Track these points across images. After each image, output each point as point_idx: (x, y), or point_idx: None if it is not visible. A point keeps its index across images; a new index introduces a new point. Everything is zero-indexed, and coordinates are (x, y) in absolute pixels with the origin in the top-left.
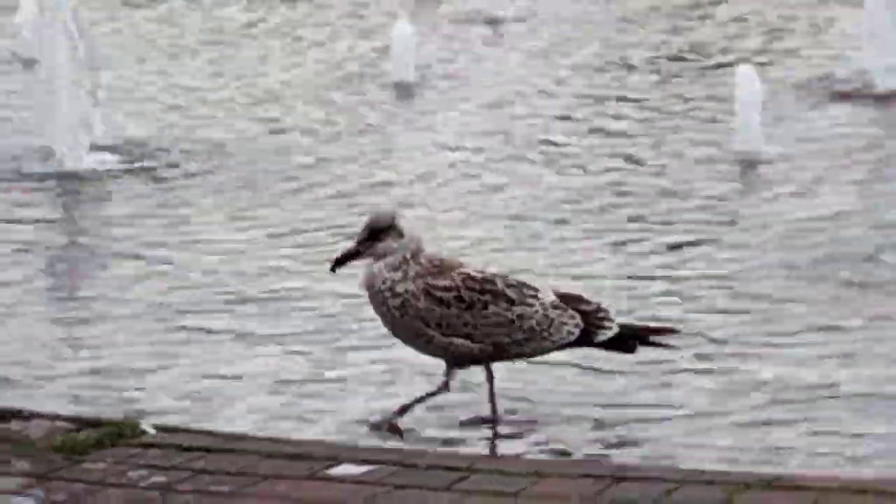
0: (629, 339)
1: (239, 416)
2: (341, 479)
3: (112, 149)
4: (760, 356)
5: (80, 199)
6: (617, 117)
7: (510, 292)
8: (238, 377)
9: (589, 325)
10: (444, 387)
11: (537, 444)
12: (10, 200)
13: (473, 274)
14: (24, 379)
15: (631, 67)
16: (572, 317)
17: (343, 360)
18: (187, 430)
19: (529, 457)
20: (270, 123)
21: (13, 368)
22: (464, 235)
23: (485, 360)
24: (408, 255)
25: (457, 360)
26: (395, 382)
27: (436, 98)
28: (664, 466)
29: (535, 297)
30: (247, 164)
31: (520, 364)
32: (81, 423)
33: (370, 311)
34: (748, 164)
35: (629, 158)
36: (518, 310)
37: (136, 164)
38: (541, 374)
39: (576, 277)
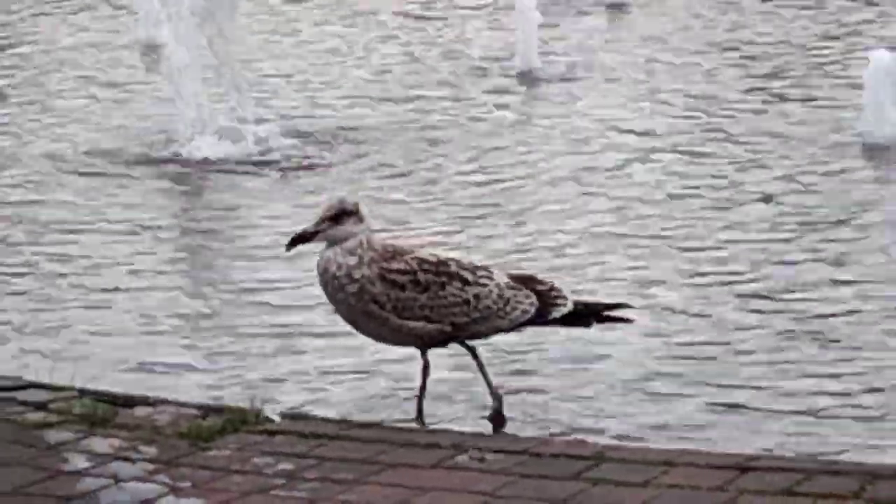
0: (584, 315)
1: (358, 403)
2: (466, 468)
3: (237, 136)
4: None
5: (205, 186)
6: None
7: (465, 273)
8: (361, 367)
9: (544, 304)
10: (426, 370)
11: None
12: (136, 187)
13: (428, 257)
14: (153, 367)
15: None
16: (527, 296)
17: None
18: (312, 418)
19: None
20: (399, 112)
21: (142, 355)
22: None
23: (441, 341)
24: (363, 241)
25: (418, 343)
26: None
27: (561, 87)
28: (793, 457)
29: (489, 277)
30: (377, 152)
31: None
32: (207, 409)
33: None
34: None
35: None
36: (473, 290)
37: (262, 152)
38: None
39: None
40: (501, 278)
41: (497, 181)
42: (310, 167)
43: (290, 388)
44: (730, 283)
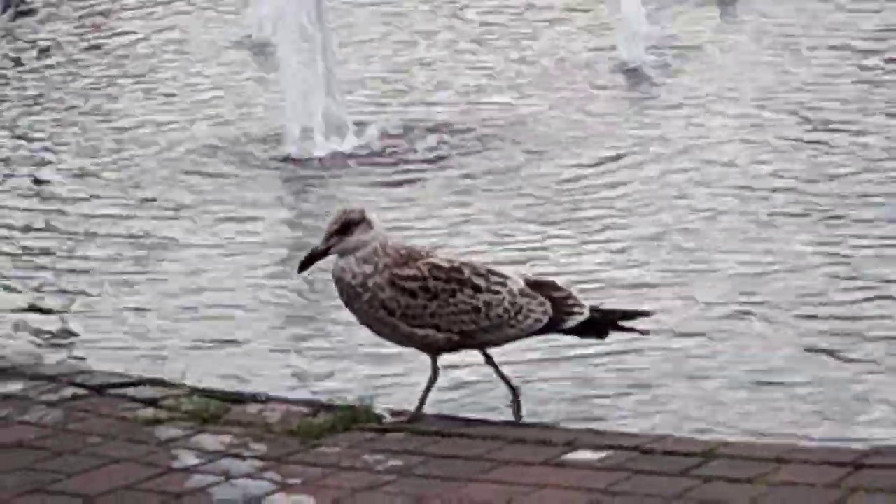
0: (600, 324)
1: (463, 400)
2: (578, 465)
3: (348, 134)
4: None
5: (314, 184)
6: None
7: (477, 280)
8: (468, 363)
9: (558, 312)
10: (434, 375)
11: None
12: (246, 185)
13: (440, 263)
14: (264, 364)
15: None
16: (541, 304)
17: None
18: (422, 415)
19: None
20: (505, 109)
21: (253, 352)
22: None
23: (450, 349)
24: (377, 247)
25: (429, 350)
26: None
27: (668, 82)
28: None
29: (502, 284)
30: (484, 149)
31: None
32: (317, 407)
33: None
34: None
35: None
36: (485, 297)
37: (371, 150)
38: None
39: None
40: (516, 285)
41: (605, 181)
42: (417, 164)
43: (400, 386)
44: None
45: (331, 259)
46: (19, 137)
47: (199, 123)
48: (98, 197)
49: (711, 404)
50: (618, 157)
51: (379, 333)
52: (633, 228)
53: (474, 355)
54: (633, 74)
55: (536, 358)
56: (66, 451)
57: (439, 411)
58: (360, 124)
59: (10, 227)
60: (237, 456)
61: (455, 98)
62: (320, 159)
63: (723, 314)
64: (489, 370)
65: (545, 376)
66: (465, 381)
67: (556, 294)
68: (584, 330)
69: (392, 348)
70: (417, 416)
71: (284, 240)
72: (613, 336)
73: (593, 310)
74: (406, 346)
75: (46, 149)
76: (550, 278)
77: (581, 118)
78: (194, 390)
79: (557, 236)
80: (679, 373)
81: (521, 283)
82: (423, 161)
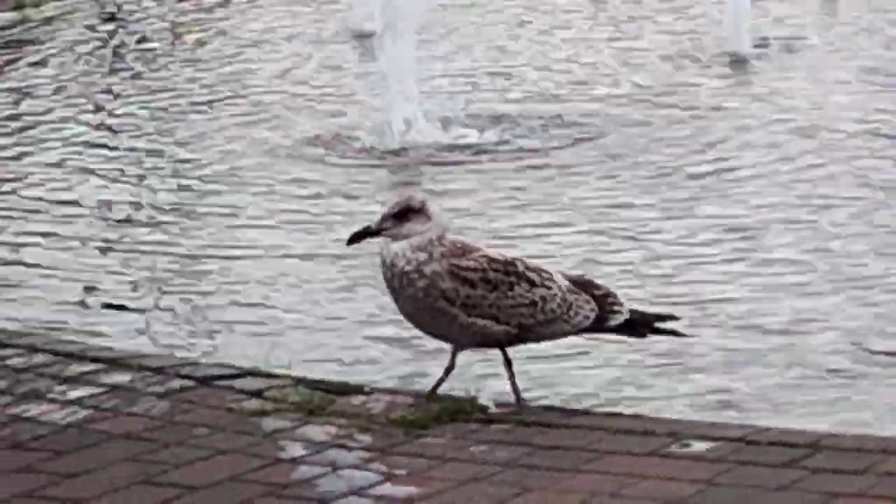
0: (638, 324)
1: (562, 389)
2: (683, 456)
3: (452, 125)
4: None
5: (417, 175)
6: None
7: (531, 275)
8: (572, 351)
9: (602, 310)
10: (450, 369)
11: None
12: (351, 175)
13: (496, 256)
14: (367, 356)
15: None
16: (587, 301)
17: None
18: (528, 406)
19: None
20: (614, 99)
21: (356, 344)
22: None
23: (507, 342)
24: (433, 238)
25: (478, 343)
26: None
27: (775, 70)
28: None
29: (552, 280)
30: (592, 141)
31: None
32: (422, 398)
33: None
34: None
35: None
36: (540, 291)
37: (469, 139)
38: None
39: None
40: (562, 281)
41: (714, 170)
42: (526, 155)
43: (500, 377)
44: None
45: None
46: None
47: (303, 115)
48: (205, 187)
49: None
50: (720, 144)
51: (424, 325)
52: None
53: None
54: (740, 63)
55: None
56: (172, 443)
57: (542, 403)
58: (467, 113)
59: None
60: (343, 447)
61: (559, 88)
62: (424, 149)
63: None
64: (569, 364)
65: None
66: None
67: (598, 292)
68: (624, 329)
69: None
70: (521, 405)
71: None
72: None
73: (632, 311)
74: (456, 338)
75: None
76: (589, 277)
77: (690, 106)
78: (299, 381)
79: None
80: None
81: (566, 281)
82: (534, 149)
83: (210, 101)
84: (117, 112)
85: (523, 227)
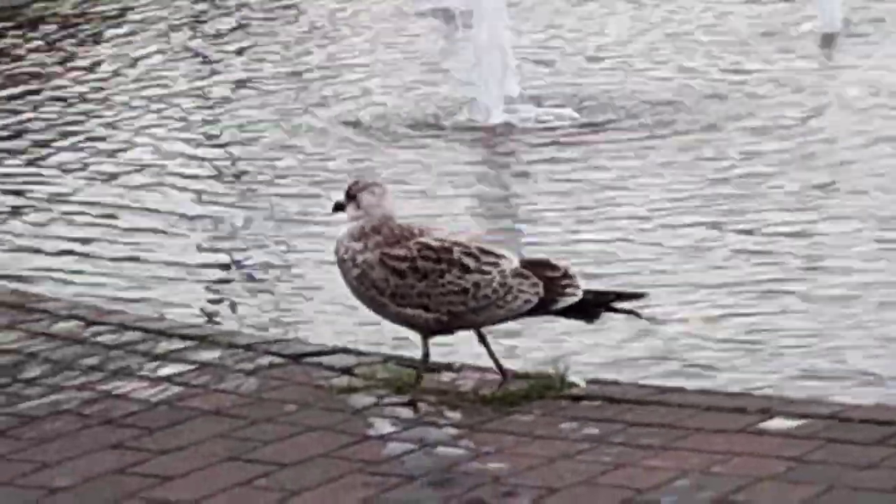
0: (593, 306)
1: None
2: (774, 433)
3: (535, 101)
4: None
5: (505, 151)
6: None
7: (466, 260)
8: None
9: (550, 293)
10: (425, 359)
11: None
12: (436, 152)
13: (431, 243)
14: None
15: None
16: (534, 284)
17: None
18: (617, 383)
19: None
20: (692, 77)
21: None
22: None
23: (440, 330)
24: (367, 228)
25: (420, 331)
26: None
27: (865, 48)
28: None
29: (494, 264)
30: (666, 118)
31: None
32: (511, 374)
33: None
34: None
35: None
36: (474, 277)
37: (559, 118)
38: None
39: None
40: (510, 264)
41: (795, 148)
42: (601, 134)
43: (592, 354)
44: None
45: None
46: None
47: (385, 92)
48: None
49: None
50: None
51: (372, 310)
52: None
53: None
54: (831, 41)
55: None
56: (261, 420)
57: (635, 380)
58: (548, 89)
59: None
60: (432, 424)
61: (651, 65)
62: (510, 126)
63: None
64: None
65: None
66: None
67: (551, 274)
68: (575, 311)
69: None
70: (508, 378)
71: (478, 209)
72: None
73: (587, 292)
74: (398, 325)
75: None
76: (545, 257)
77: (782, 83)
78: (388, 358)
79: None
80: None
81: (516, 263)
82: (612, 128)
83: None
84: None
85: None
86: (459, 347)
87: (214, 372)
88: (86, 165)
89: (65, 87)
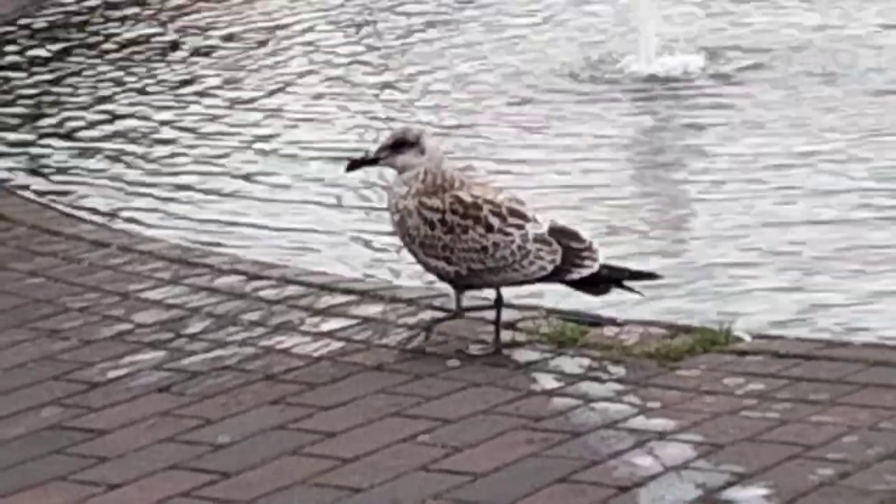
0: (603, 280)
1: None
2: None
3: (691, 51)
4: None
5: (662, 103)
6: None
7: (492, 219)
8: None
9: (566, 263)
10: (456, 312)
11: None
12: (591, 104)
13: (464, 197)
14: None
15: None
16: (553, 252)
17: None
18: (783, 337)
19: None
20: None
21: None
22: None
23: (459, 284)
24: (420, 172)
25: (448, 283)
26: None
27: None
28: None
29: (518, 227)
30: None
31: None
32: (676, 329)
33: None
34: None
35: None
36: (494, 237)
37: (711, 68)
38: None
39: None
40: (536, 229)
41: None
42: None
43: (759, 307)
44: None
45: None
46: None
47: (538, 45)
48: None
49: None
50: None
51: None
52: None
53: None
54: None
55: None
56: (425, 375)
57: (796, 334)
58: (694, 41)
59: None
60: (596, 379)
61: (801, 18)
62: (659, 78)
63: None
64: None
65: None
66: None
67: (575, 245)
68: (587, 284)
69: (749, 271)
70: (497, 348)
71: (633, 160)
72: None
73: (602, 266)
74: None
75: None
76: (576, 228)
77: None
78: (551, 312)
79: None
80: None
81: (544, 228)
82: (763, 79)
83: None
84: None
85: None
86: (623, 302)
87: (377, 327)
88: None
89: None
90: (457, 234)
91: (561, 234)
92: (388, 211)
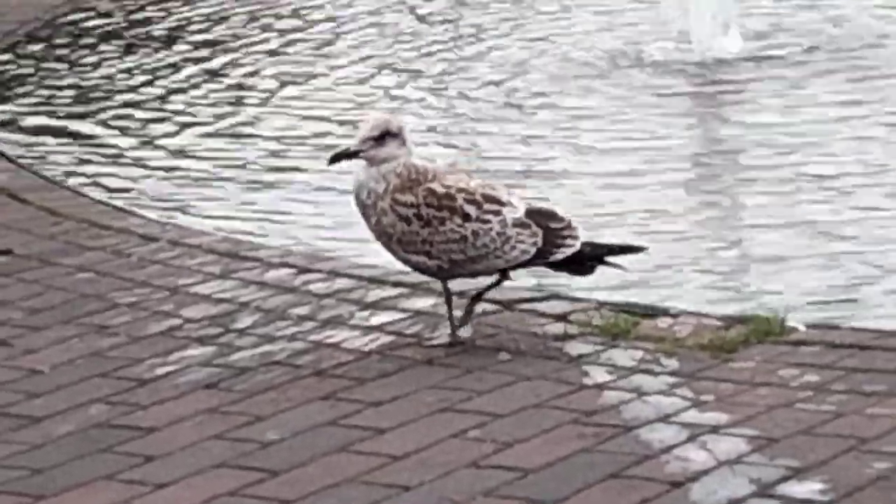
0: (587, 259)
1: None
2: None
3: (750, 35)
4: None
5: (723, 87)
6: None
7: (468, 208)
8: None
9: (547, 244)
10: (448, 296)
11: None
12: (650, 88)
13: (437, 189)
14: (675, 278)
15: None
16: (533, 234)
17: None
18: (838, 327)
19: None
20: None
21: (660, 263)
22: None
23: (442, 277)
24: (399, 167)
25: (431, 276)
26: None
27: None
28: None
29: (496, 213)
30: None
31: None
32: (730, 320)
33: None
34: None
35: None
36: (473, 226)
37: (770, 51)
38: None
39: None
40: (513, 213)
41: None
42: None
43: (813, 296)
44: None
45: None
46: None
47: (602, 28)
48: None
49: None
50: None
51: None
52: None
53: None
54: None
55: None
56: (475, 369)
57: (851, 324)
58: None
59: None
60: (648, 372)
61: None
62: (723, 59)
63: None
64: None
65: None
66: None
67: (554, 225)
68: (571, 264)
69: (789, 262)
70: (454, 341)
71: (697, 146)
72: None
73: (584, 244)
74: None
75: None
76: (551, 207)
77: None
78: (603, 304)
79: None
80: None
81: (521, 212)
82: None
83: None
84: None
85: None
86: (676, 292)
87: (427, 320)
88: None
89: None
90: (434, 226)
91: (539, 216)
92: (361, 211)
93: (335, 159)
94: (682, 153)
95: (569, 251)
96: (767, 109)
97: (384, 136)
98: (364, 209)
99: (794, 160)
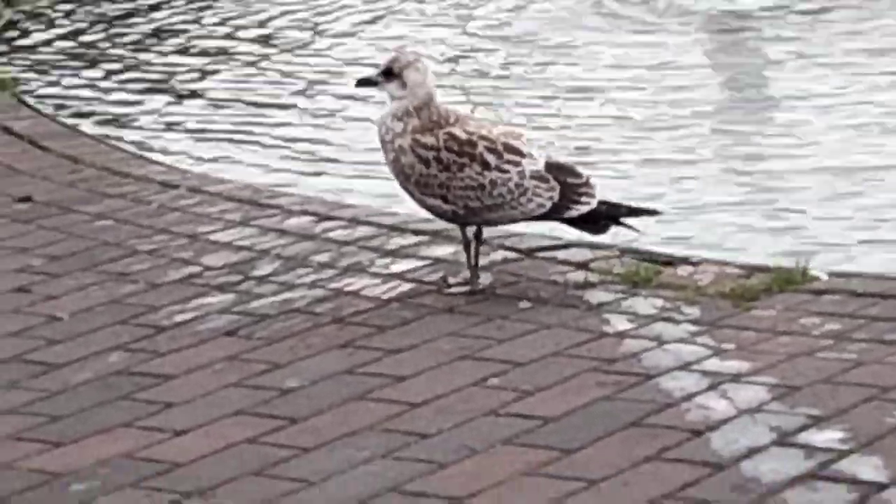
0: (602, 217)
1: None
2: None
3: None
4: None
5: (743, 38)
6: None
7: (488, 156)
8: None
9: (564, 199)
10: (467, 242)
11: None
12: (670, 34)
13: (459, 134)
14: (690, 226)
15: None
16: (550, 189)
17: None
18: (861, 275)
19: None
20: None
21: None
22: None
23: (458, 223)
24: (411, 108)
25: (448, 221)
26: None
27: None
28: None
29: (515, 164)
30: None
31: None
32: (751, 269)
33: None
34: None
35: None
36: (491, 175)
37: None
38: None
39: None
40: (532, 165)
41: None
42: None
43: (836, 245)
44: None
45: None
46: None
47: None
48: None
49: None
50: None
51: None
52: None
53: None
54: None
55: None
56: (496, 317)
57: (879, 272)
58: None
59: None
60: (669, 320)
61: None
62: (746, 11)
63: None
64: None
65: None
66: None
67: (572, 180)
68: (584, 222)
69: (824, 210)
70: (474, 288)
71: (714, 91)
72: None
73: (601, 203)
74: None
75: None
76: (570, 163)
77: None
78: (624, 252)
79: None
80: None
81: (540, 164)
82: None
83: None
84: None
85: None
86: (697, 240)
87: (448, 268)
88: None
89: None
90: (453, 171)
91: (558, 170)
92: (382, 147)
93: (361, 83)
94: (703, 101)
95: (584, 209)
96: (790, 60)
97: (389, 72)
98: (382, 144)
99: (815, 105)
